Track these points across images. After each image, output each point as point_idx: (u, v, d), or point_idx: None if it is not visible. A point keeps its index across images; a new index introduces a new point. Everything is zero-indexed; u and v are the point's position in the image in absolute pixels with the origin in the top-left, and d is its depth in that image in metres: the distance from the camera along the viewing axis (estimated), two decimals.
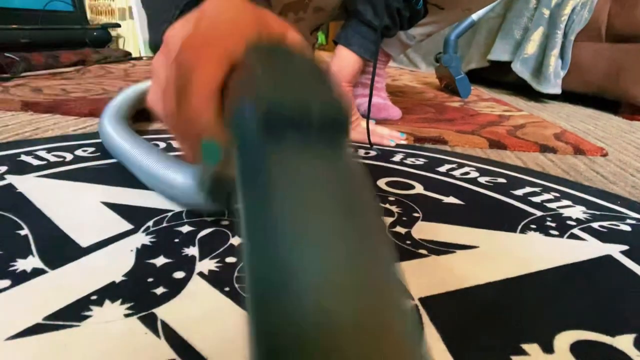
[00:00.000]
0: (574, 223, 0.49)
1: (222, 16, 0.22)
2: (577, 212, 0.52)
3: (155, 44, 0.36)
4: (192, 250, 0.38)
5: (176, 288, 0.32)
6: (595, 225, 0.49)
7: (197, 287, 0.33)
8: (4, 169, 0.54)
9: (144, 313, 0.29)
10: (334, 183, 0.13)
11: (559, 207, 0.53)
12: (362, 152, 0.73)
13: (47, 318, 0.28)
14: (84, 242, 0.37)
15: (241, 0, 0.23)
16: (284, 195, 0.11)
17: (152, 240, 0.39)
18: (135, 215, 0.43)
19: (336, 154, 0.14)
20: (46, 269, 0.34)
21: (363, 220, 0.12)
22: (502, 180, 0.62)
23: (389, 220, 0.47)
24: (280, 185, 0.12)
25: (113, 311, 0.29)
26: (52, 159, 0.59)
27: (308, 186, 0.12)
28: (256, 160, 0.13)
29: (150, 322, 0.29)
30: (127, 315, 0.29)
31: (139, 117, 0.81)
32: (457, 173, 0.64)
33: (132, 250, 0.37)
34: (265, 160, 0.13)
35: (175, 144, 0.26)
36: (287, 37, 0.24)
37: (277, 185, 0.12)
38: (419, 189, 0.57)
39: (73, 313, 0.29)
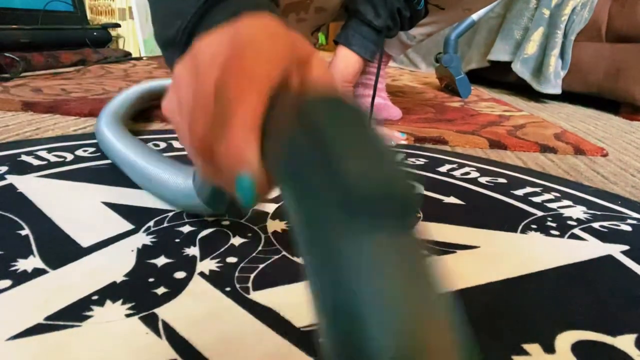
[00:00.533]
0: (574, 223, 0.49)
1: (263, 42, 0.21)
2: (578, 212, 0.52)
3: (164, 40, 0.34)
4: (193, 250, 0.38)
5: (177, 288, 0.32)
6: (595, 225, 0.49)
7: (198, 287, 0.33)
8: (4, 169, 0.54)
9: (145, 313, 0.29)
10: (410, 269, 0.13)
11: (559, 207, 0.53)
12: None
13: (48, 318, 0.28)
14: (84, 242, 0.37)
15: (276, 22, 0.22)
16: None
17: (153, 240, 0.39)
18: (136, 215, 0.43)
19: (410, 237, 0.14)
20: (47, 269, 0.34)
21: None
22: (502, 180, 0.62)
23: None
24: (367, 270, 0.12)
25: (114, 311, 0.29)
26: (53, 159, 0.59)
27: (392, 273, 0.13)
28: (331, 237, 0.14)
29: (151, 322, 0.29)
30: (128, 316, 0.29)
31: (138, 117, 0.81)
32: (457, 173, 0.64)
33: (133, 250, 0.37)
34: (345, 241, 0.13)
35: (190, 157, 0.25)
36: (313, 64, 0.23)
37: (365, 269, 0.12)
38: (419, 189, 0.57)
39: (74, 313, 0.29)
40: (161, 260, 0.36)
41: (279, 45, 0.21)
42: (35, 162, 0.57)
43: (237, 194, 0.21)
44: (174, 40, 0.32)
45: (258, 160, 0.19)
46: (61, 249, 0.36)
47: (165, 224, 0.42)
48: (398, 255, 0.13)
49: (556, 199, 0.56)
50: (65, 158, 0.59)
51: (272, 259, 0.37)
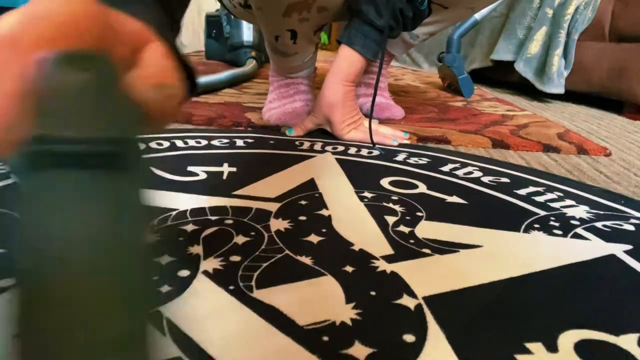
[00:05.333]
0: (577, 222, 0.49)
1: (56, 11, 0.19)
2: (581, 211, 0.52)
3: None
4: (197, 249, 0.38)
5: (181, 286, 0.32)
6: (599, 224, 0.48)
7: (202, 286, 0.33)
8: (8, 168, 0.54)
9: None
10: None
11: (562, 207, 0.53)
12: (365, 151, 0.73)
13: None
14: None
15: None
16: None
17: (157, 238, 0.39)
18: None
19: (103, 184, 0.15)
20: None
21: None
22: (505, 179, 0.62)
23: (392, 219, 0.47)
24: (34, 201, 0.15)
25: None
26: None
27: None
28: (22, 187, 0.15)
29: (155, 320, 0.29)
30: None
31: None
32: (460, 172, 0.64)
33: None
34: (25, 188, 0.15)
35: None
36: (145, 51, 0.21)
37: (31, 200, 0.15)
38: (422, 188, 0.57)
39: None
40: (165, 259, 0.36)
41: (80, 16, 0.19)
42: None
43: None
44: None
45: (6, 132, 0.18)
46: None
47: (169, 223, 0.42)
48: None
49: (559, 199, 0.56)
50: None
51: (275, 258, 0.37)
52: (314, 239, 0.41)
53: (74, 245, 0.14)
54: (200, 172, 0.57)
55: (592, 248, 0.43)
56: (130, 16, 0.21)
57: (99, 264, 0.14)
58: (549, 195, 0.57)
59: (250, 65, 1.58)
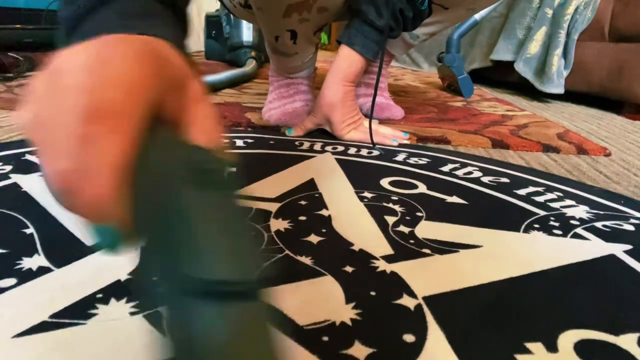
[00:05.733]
0: (577, 222, 0.49)
1: (120, 68, 0.19)
2: (581, 211, 0.52)
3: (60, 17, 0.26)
4: None
5: None
6: (598, 224, 0.49)
7: None
8: (8, 168, 0.54)
9: (149, 311, 0.29)
10: None
11: (562, 207, 0.53)
12: (365, 151, 0.73)
13: (53, 316, 0.28)
14: (89, 241, 0.38)
15: (140, 42, 0.20)
16: None
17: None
18: None
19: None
20: (52, 267, 0.34)
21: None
22: (505, 179, 0.62)
23: (392, 219, 0.47)
24: None
25: (119, 309, 0.30)
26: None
27: None
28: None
29: (155, 320, 0.29)
30: (132, 314, 0.29)
31: None
32: (460, 173, 0.64)
33: (137, 249, 0.37)
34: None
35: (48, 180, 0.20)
36: (189, 89, 0.22)
37: None
38: (422, 188, 0.57)
39: (79, 311, 0.29)
40: None
41: (142, 70, 0.19)
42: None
43: (97, 240, 0.20)
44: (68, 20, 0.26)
45: (119, 208, 0.18)
46: (66, 248, 0.37)
47: None
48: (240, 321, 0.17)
49: (559, 199, 0.56)
50: None
51: (275, 258, 0.37)
52: (314, 239, 0.41)
53: None
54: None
55: (592, 248, 0.43)
56: (170, 46, 0.22)
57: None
58: (549, 195, 0.57)
59: (250, 65, 1.58)
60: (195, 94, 0.22)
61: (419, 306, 0.32)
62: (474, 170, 0.66)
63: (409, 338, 0.29)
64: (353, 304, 0.32)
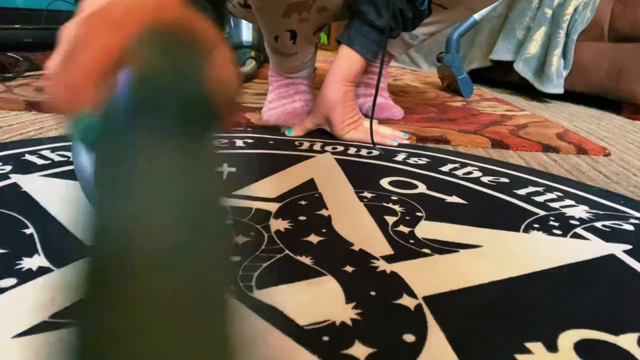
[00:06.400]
0: (577, 222, 0.49)
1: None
2: (580, 211, 0.52)
3: None
4: None
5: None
6: (598, 224, 0.49)
7: None
8: (8, 168, 0.54)
9: None
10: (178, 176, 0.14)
11: (562, 207, 0.53)
12: (365, 151, 0.73)
13: (53, 316, 0.28)
14: (85, 240, 0.38)
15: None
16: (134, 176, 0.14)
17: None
18: None
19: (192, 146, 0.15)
20: (52, 267, 0.34)
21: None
22: (504, 179, 0.62)
23: (392, 219, 0.47)
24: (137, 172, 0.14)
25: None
26: (57, 158, 0.59)
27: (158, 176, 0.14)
28: (118, 144, 0.15)
29: None
30: None
31: None
32: (459, 172, 0.64)
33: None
34: (125, 147, 0.15)
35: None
36: (191, 24, 0.23)
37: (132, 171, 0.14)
38: (421, 188, 0.57)
39: None
40: None
41: (148, 3, 0.21)
42: (39, 162, 0.57)
43: (76, 135, 0.21)
44: None
45: (95, 97, 0.19)
46: (66, 248, 0.36)
47: None
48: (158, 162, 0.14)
49: (559, 199, 0.56)
50: (69, 157, 0.59)
51: (275, 258, 0.37)
52: (313, 239, 0.41)
53: (158, 213, 0.13)
54: None
55: (592, 248, 0.43)
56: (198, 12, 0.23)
57: (183, 242, 0.13)
58: (549, 195, 0.57)
59: (250, 65, 1.58)
60: (224, 56, 0.23)
61: (419, 306, 0.32)
62: (474, 170, 0.66)
63: (409, 338, 0.29)
64: (353, 304, 0.32)
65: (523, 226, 0.47)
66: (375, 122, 0.81)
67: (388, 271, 0.36)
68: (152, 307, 0.11)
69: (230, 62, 0.23)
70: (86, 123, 0.19)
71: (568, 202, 0.55)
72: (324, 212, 0.47)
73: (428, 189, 0.57)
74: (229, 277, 0.14)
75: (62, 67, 0.21)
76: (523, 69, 1.49)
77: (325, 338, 0.28)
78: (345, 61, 0.77)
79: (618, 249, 0.43)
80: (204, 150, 0.16)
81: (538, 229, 0.46)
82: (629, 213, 0.53)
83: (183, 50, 0.19)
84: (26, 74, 1.31)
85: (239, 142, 0.73)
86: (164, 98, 0.16)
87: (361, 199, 0.52)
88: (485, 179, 0.62)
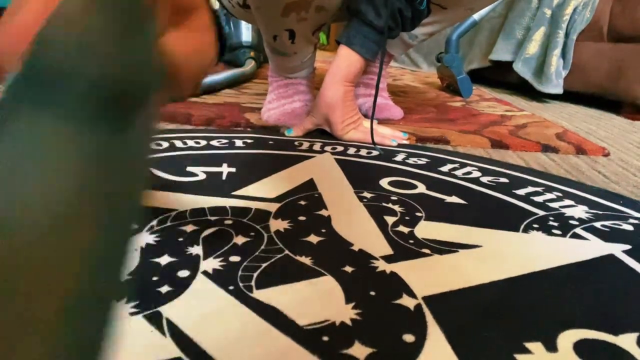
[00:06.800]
0: (576, 222, 0.49)
1: None
2: (580, 211, 0.52)
3: None
4: (196, 249, 0.38)
5: (181, 287, 0.32)
6: (597, 224, 0.49)
7: (202, 286, 0.33)
8: None
9: (149, 311, 0.29)
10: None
11: (561, 207, 0.53)
12: (364, 151, 0.73)
13: None
14: None
15: None
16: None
17: (157, 239, 0.39)
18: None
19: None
20: None
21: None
22: (504, 179, 0.62)
23: (391, 219, 0.47)
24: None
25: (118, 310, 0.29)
26: None
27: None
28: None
29: (155, 320, 0.29)
30: (132, 314, 0.29)
31: None
32: (459, 173, 0.65)
33: (136, 249, 0.37)
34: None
35: None
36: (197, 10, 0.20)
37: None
38: (421, 188, 0.57)
39: None
40: (165, 259, 0.36)
41: None
42: None
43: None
44: None
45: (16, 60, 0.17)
46: None
47: (169, 223, 0.42)
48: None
49: (558, 199, 0.56)
50: None
51: (275, 258, 0.37)
52: (313, 239, 0.41)
53: (31, 205, 0.11)
54: (200, 172, 0.57)
55: (591, 248, 0.43)
56: None
57: (52, 237, 0.11)
58: (548, 195, 0.57)
59: (249, 65, 1.58)
60: (201, 18, 0.20)
61: (418, 306, 0.32)
62: (473, 170, 0.66)
63: (408, 338, 0.29)
64: (353, 304, 0.32)
65: (522, 226, 0.47)
66: (375, 122, 0.81)
67: (388, 271, 0.36)
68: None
69: (210, 27, 0.21)
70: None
71: (567, 202, 0.55)
72: (323, 212, 0.47)
73: (428, 189, 0.57)
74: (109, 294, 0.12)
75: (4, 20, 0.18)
76: (522, 69, 1.49)
77: (325, 338, 0.28)
78: (344, 61, 0.77)
79: (617, 249, 0.43)
80: (111, 141, 0.12)
81: (537, 229, 0.47)
82: (628, 213, 0.53)
83: (127, 11, 0.15)
84: None
85: (239, 142, 0.73)
86: (71, 72, 0.12)
87: (361, 199, 0.52)
88: (484, 179, 0.62)
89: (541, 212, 0.51)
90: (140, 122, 0.13)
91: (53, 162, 0.11)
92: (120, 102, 0.12)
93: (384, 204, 0.51)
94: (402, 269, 0.37)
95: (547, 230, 0.47)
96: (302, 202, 0.50)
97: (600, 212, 0.52)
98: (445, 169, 0.66)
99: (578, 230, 0.47)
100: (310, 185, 0.55)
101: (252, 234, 0.41)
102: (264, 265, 0.36)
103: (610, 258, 0.41)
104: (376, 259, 0.38)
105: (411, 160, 0.69)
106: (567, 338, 0.30)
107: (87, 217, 0.12)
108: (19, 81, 0.12)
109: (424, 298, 0.33)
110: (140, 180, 0.13)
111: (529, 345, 0.29)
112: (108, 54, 0.12)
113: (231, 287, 0.33)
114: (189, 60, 0.20)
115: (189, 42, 0.20)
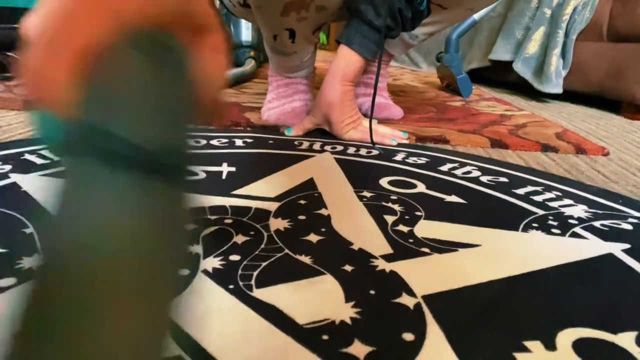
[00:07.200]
0: (575, 222, 0.49)
1: None
2: (579, 211, 0.52)
3: None
4: (197, 248, 0.38)
5: (181, 286, 0.32)
6: (597, 224, 0.49)
7: (202, 285, 0.33)
8: (8, 167, 0.54)
9: None
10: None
11: (560, 206, 0.53)
12: (364, 151, 0.73)
13: None
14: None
15: None
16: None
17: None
18: None
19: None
20: None
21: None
22: (503, 179, 0.63)
23: (391, 219, 0.47)
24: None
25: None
26: (57, 157, 0.59)
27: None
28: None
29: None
30: None
31: None
32: (459, 172, 0.65)
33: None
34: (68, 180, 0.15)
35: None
36: (208, 28, 0.20)
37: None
38: (421, 187, 0.57)
39: None
40: None
41: None
42: (39, 161, 0.57)
43: (39, 131, 0.18)
44: None
45: (64, 94, 0.17)
46: None
47: None
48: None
49: (557, 198, 0.56)
50: None
51: (275, 257, 0.37)
52: (313, 238, 0.41)
53: (102, 245, 0.13)
54: (200, 171, 0.57)
55: (590, 247, 0.43)
56: None
57: (122, 273, 0.13)
58: (548, 195, 0.57)
59: (249, 65, 1.58)
60: (217, 43, 0.21)
61: (418, 305, 0.32)
62: (473, 169, 0.66)
63: (408, 337, 0.29)
64: (352, 302, 0.32)
65: (522, 225, 0.47)
66: (374, 121, 0.81)
67: (387, 270, 0.37)
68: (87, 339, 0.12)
69: (224, 52, 0.21)
70: (50, 123, 0.17)
71: (567, 201, 0.55)
72: (323, 211, 0.47)
73: (427, 188, 0.57)
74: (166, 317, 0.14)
75: (38, 46, 0.17)
76: (522, 69, 1.49)
77: (325, 337, 0.28)
78: (344, 61, 0.77)
79: (617, 248, 0.43)
80: (166, 195, 0.15)
81: (537, 228, 0.47)
82: (627, 212, 0.53)
83: (167, 68, 0.17)
84: None
85: (239, 142, 0.73)
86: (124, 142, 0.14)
87: (361, 198, 0.52)
88: (484, 179, 0.62)
89: (541, 212, 0.51)
90: (180, 182, 0.16)
91: (124, 206, 0.14)
92: (169, 164, 0.15)
93: (384, 203, 0.51)
94: (401, 268, 0.37)
95: (547, 229, 0.47)
96: (302, 202, 0.50)
97: (600, 212, 0.52)
98: (444, 168, 0.66)
99: (577, 230, 0.47)
100: (310, 184, 0.55)
101: (252, 233, 0.41)
102: (263, 264, 0.36)
103: (610, 257, 0.42)
104: (376, 258, 0.38)
105: (411, 160, 0.69)
106: (566, 337, 0.30)
107: (159, 253, 0.14)
108: (79, 136, 0.15)
109: (424, 297, 0.33)
110: (187, 227, 0.16)
111: (528, 343, 0.29)
112: (156, 123, 0.15)
113: (231, 286, 0.33)
114: (207, 83, 0.20)
115: (206, 64, 0.21)
